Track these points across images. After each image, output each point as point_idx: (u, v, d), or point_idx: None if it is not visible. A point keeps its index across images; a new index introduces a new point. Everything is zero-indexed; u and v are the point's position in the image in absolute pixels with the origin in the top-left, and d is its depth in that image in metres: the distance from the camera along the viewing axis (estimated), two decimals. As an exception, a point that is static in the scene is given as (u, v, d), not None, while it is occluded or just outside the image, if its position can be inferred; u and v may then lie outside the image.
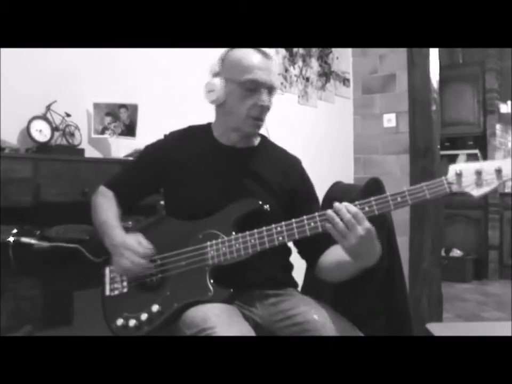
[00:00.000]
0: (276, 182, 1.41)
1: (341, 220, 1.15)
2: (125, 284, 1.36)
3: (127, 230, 1.39)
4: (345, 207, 1.16)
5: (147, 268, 1.32)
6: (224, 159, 1.41)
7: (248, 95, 1.34)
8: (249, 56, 1.34)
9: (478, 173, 1.12)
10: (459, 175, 1.13)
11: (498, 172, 1.11)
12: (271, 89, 1.36)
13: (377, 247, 1.20)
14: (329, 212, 1.17)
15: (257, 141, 1.48)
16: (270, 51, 1.38)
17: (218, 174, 1.39)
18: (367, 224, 1.15)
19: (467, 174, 1.13)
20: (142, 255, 1.30)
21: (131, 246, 1.30)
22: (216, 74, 1.38)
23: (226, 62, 1.38)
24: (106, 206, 1.44)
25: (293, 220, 1.22)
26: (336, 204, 1.17)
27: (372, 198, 1.17)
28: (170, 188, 1.44)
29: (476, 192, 1.13)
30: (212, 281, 1.27)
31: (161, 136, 1.59)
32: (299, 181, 1.46)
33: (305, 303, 1.34)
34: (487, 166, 1.12)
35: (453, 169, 1.14)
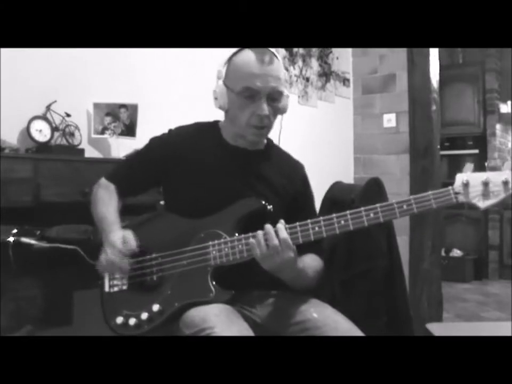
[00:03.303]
0: (281, 184, 1.41)
1: (266, 243, 1.18)
2: (124, 280, 1.36)
3: (127, 227, 1.39)
4: (274, 231, 1.19)
5: (122, 269, 1.31)
6: (230, 159, 1.40)
7: (246, 103, 1.32)
8: (246, 63, 1.31)
9: (485, 184, 1.11)
10: (466, 185, 1.12)
11: (506, 183, 1.10)
12: (271, 95, 1.33)
13: (294, 273, 1.25)
14: (259, 233, 1.20)
15: (263, 144, 1.47)
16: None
17: (225, 173, 1.38)
18: (289, 253, 1.18)
19: (474, 185, 1.12)
20: (120, 255, 1.29)
21: (114, 244, 1.30)
22: (220, 80, 1.37)
23: (227, 68, 1.36)
24: (107, 199, 1.43)
25: (297, 224, 1.21)
26: (267, 226, 1.20)
27: (377, 205, 1.17)
28: (173, 184, 1.43)
29: (482, 204, 1.11)
30: (213, 282, 1.27)
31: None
32: (301, 187, 1.46)
33: (304, 302, 1.34)
34: (495, 177, 1.11)
35: (460, 178, 1.12)
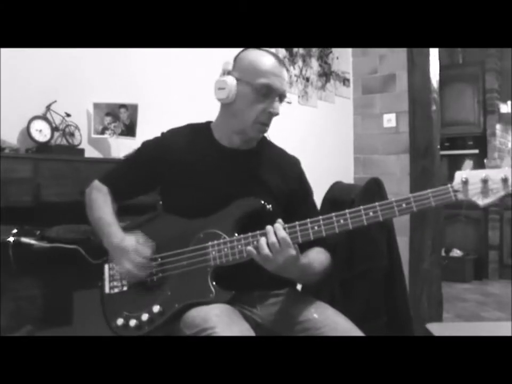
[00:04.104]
0: (274, 184, 1.40)
1: (267, 243, 1.18)
2: (124, 281, 1.36)
3: (125, 228, 1.39)
4: (273, 230, 1.18)
5: (148, 268, 1.31)
6: (223, 161, 1.40)
7: (259, 99, 1.32)
8: (265, 60, 1.33)
9: (484, 181, 1.10)
10: (465, 183, 1.11)
11: (505, 181, 1.08)
12: (281, 97, 1.35)
13: (298, 270, 1.23)
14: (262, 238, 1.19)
15: (256, 142, 1.45)
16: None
17: (217, 175, 1.38)
18: (290, 251, 1.17)
19: (473, 182, 1.10)
20: (142, 256, 1.30)
21: (131, 247, 1.30)
22: (228, 73, 1.35)
23: (240, 62, 1.35)
24: (101, 201, 1.42)
25: (296, 223, 1.21)
26: (268, 227, 1.19)
27: (376, 203, 1.16)
28: (168, 186, 1.43)
29: (482, 202, 1.10)
30: (213, 282, 1.27)
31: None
32: (297, 183, 1.45)
33: (305, 302, 1.34)
34: (494, 175, 1.10)
35: (459, 176, 1.11)
